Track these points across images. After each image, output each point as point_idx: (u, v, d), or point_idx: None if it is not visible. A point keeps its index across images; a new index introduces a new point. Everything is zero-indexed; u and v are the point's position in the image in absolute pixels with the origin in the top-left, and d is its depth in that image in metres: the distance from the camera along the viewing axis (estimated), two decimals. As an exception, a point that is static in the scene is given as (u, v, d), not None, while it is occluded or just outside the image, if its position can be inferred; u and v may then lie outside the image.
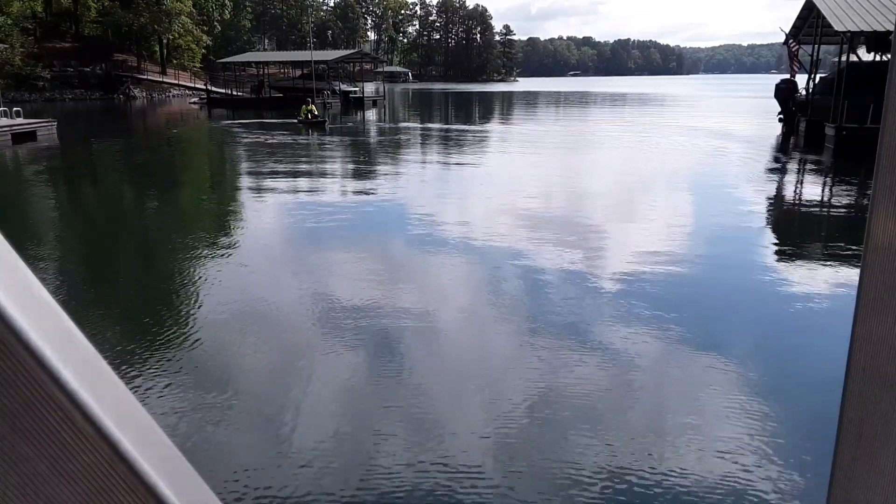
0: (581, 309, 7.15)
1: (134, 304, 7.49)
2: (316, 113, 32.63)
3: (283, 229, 11.59)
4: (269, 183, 16.37)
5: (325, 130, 30.15)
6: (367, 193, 15.09)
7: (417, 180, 17.15)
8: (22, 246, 9.56)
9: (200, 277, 8.42)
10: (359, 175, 18.31)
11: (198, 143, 29.68)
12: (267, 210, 13.19)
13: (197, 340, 6.27)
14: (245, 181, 17.81)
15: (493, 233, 10.49)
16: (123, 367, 5.55)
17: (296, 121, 32.54)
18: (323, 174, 18.25)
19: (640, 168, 19.13)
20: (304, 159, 21.48)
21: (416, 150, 24.66)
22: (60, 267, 9.30)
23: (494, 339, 6.44)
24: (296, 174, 17.64)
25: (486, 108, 55.49)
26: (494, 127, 35.90)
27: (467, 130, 32.33)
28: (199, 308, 7.26)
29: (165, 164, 22.81)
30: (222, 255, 9.50)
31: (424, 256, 9.27)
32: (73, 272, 9.16)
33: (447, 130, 32.49)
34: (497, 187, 15.28)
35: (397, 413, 4.88)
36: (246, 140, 26.71)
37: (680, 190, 15.62)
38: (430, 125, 36.03)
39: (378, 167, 19.75)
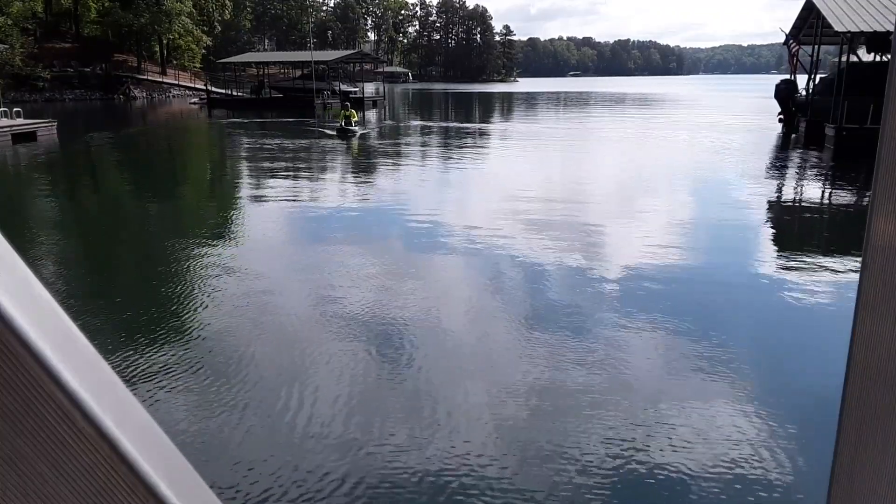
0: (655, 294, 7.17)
1: (131, 300, 7.49)
2: (356, 120, 28.22)
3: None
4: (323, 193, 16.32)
5: (351, 135, 26.50)
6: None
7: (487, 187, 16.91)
8: (22, 246, 9.56)
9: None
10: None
11: (208, 146, 29.69)
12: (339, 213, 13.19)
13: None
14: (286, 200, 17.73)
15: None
16: (127, 366, 5.56)
17: (335, 131, 27.56)
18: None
19: (650, 164, 19.15)
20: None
21: (455, 152, 24.54)
22: (60, 267, 9.30)
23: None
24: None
25: (495, 108, 55.47)
26: (514, 127, 35.86)
27: (486, 130, 32.33)
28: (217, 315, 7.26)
29: (167, 166, 22.83)
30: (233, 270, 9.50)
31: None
32: (72, 272, 9.16)
33: (468, 130, 32.43)
34: (555, 182, 16.06)
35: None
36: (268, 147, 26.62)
37: (682, 189, 15.62)
38: (443, 124, 36.16)
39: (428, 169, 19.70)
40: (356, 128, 27.61)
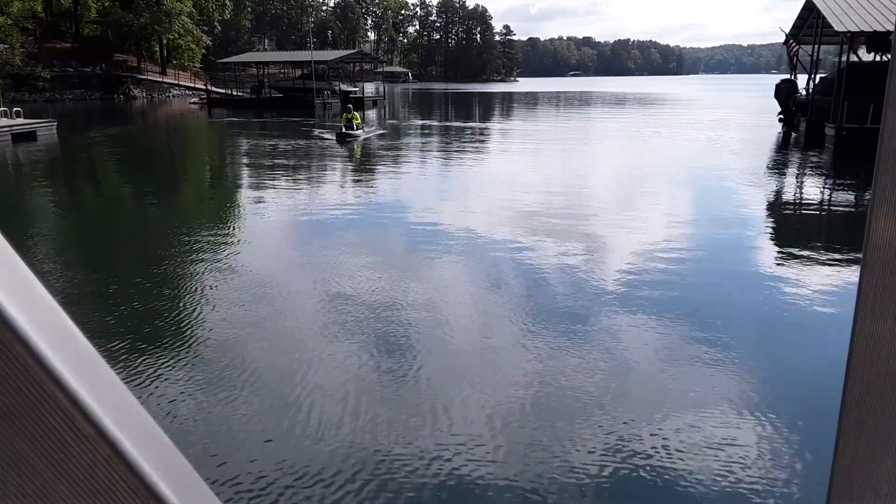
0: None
1: (132, 299, 7.50)
2: (358, 122, 25.67)
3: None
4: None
5: (351, 139, 24.48)
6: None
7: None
8: (22, 245, 9.56)
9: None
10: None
11: (208, 146, 29.69)
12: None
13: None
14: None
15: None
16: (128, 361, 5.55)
17: (334, 135, 25.53)
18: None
19: (650, 164, 19.17)
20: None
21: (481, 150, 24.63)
22: (60, 267, 9.30)
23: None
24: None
25: (496, 108, 55.47)
26: (517, 126, 35.89)
27: (491, 130, 32.35)
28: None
29: (166, 165, 22.84)
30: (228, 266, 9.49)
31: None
32: (72, 271, 9.15)
33: (474, 128, 32.45)
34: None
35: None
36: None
37: (682, 189, 15.62)
38: (446, 124, 36.16)
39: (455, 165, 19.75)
40: (359, 131, 25.43)
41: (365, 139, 25.60)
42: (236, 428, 4.71)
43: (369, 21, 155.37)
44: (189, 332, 6.55)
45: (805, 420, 4.86)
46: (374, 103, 51.28)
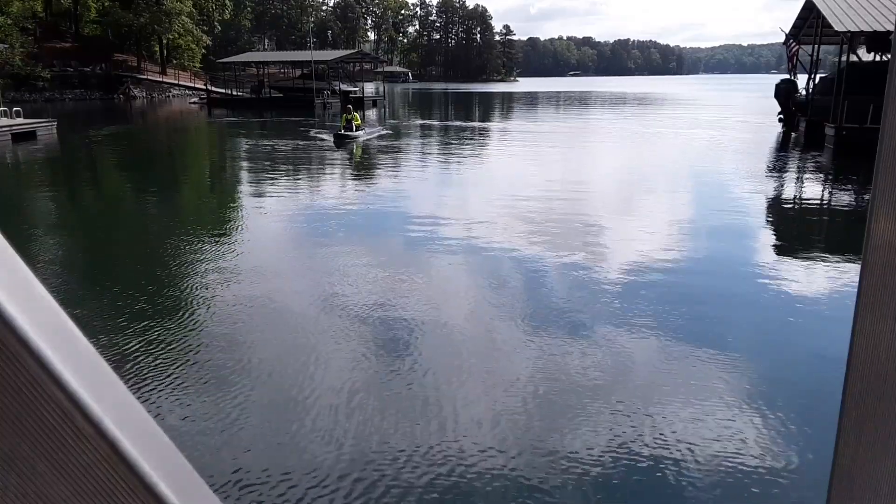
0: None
1: (133, 298, 7.50)
2: (358, 123, 24.82)
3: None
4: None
5: (350, 141, 23.81)
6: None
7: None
8: (22, 245, 9.55)
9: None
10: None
11: (207, 146, 29.69)
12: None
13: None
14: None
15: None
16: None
17: (332, 137, 24.63)
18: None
19: (650, 163, 19.19)
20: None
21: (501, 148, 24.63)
22: (60, 266, 9.30)
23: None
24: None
25: (497, 108, 55.48)
26: (519, 126, 35.90)
27: (493, 130, 32.36)
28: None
29: (164, 165, 22.85)
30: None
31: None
32: (72, 271, 9.16)
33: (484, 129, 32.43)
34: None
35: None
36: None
37: (682, 189, 15.63)
38: (447, 124, 36.12)
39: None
40: (359, 132, 24.63)
41: (365, 140, 25.09)
42: (246, 425, 4.71)
43: (369, 21, 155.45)
44: (192, 331, 6.55)
45: (805, 420, 4.86)
46: (374, 103, 51.28)
